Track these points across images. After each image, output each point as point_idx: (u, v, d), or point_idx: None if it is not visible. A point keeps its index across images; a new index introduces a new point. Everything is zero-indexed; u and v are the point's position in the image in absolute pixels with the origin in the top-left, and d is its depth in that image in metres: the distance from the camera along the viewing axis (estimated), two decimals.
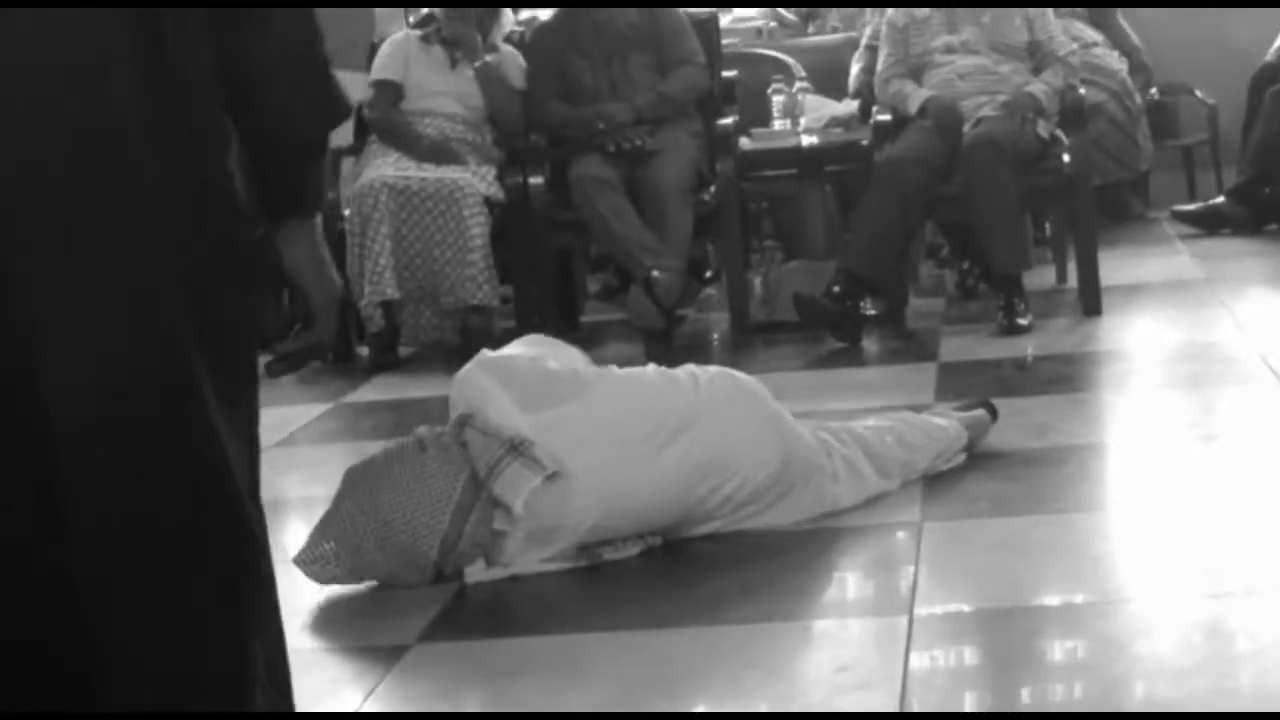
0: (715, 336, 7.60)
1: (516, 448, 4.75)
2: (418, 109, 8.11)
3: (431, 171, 7.80)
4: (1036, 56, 7.92)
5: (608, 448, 4.97)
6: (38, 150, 2.63)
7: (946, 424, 5.71)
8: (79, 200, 2.67)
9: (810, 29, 9.88)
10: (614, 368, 5.46)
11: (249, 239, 2.84)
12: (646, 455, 5.03)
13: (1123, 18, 10.33)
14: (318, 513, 4.98)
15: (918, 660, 4.07)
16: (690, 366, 5.52)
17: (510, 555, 4.87)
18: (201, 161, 2.77)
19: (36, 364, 2.67)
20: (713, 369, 5.53)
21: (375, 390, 7.07)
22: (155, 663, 2.88)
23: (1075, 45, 8.49)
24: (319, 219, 2.91)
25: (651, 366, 5.59)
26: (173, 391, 2.79)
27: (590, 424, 5.02)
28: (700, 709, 4.21)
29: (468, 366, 5.09)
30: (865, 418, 5.75)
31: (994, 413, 5.81)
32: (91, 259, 2.69)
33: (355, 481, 4.84)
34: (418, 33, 8.51)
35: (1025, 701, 3.97)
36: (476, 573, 4.86)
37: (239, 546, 2.94)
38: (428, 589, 4.77)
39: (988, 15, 7.92)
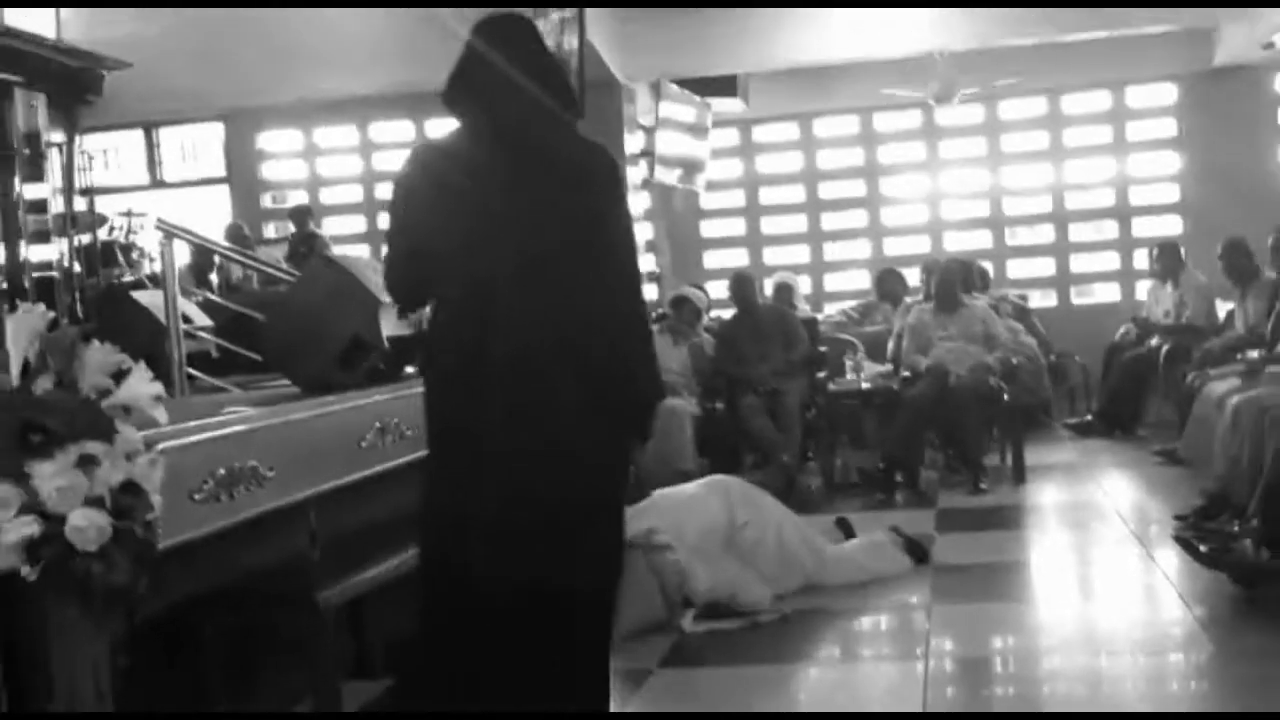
0: (813, 489, 7.46)
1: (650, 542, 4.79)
2: None
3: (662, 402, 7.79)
4: (988, 342, 7.82)
5: (686, 525, 4.99)
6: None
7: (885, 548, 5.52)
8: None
9: (865, 324, 9.77)
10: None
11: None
12: (709, 520, 5.08)
13: (1035, 318, 10.17)
14: None
15: (932, 689, 4.00)
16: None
17: (697, 591, 4.83)
18: (611, 409, 2.84)
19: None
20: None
21: None
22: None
23: (1009, 334, 8.37)
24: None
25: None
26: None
27: (670, 518, 5.01)
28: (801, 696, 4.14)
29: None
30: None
31: (922, 556, 5.52)
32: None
33: None
34: (657, 325, 8.46)
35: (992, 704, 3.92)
36: (688, 624, 4.80)
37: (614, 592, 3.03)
38: (663, 635, 4.70)
39: (962, 322, 7.84)
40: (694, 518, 5.13)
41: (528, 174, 2.81)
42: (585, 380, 2.78)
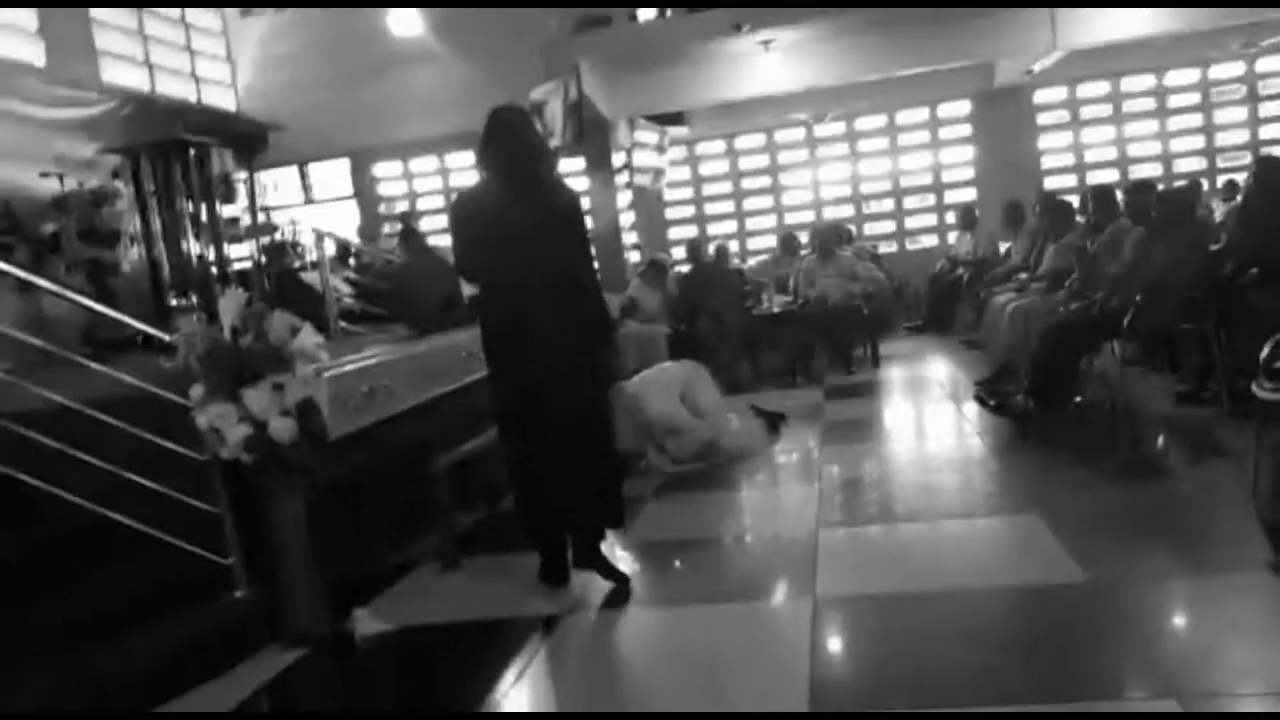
0: (746, 377, 7.46)
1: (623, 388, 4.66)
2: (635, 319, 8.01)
3: (640, 329, 7.71)
4: (854, 278, 7.77)
5: (647, 376, 4.90)
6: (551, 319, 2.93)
7: (758, 430, 5.14)
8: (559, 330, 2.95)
9: (774, 270, 9.50)
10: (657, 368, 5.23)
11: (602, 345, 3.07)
12: (668, 375, 4.93)
13: (883, 260, 10.04)
14: None
15: (824, 500, 3.98)
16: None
17: (652, 408, 4.65)
18: (589, 321, 3.04)
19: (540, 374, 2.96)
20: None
21: None
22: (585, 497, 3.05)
23: (867, 272, 8.30)
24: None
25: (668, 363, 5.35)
26: (588, 386, 3.04)
27: (640, 380, 4.89)
28: (746, 508, 4.06)
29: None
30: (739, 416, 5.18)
31: (776, 429, 5.19)
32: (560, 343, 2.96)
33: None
34: (639, 278, 8.22)
35: (862, 507, 3.82)
36: (669, 467, 4.71)
37: (613, 453, 3.14)
38: (654, 477, 4.58)
39: (836, 266, 7.78)
40: (656, 372, 5.03)
41: (525, 202, 3.11)
42: (566, 308, 3.04)
